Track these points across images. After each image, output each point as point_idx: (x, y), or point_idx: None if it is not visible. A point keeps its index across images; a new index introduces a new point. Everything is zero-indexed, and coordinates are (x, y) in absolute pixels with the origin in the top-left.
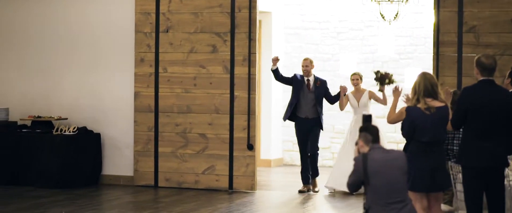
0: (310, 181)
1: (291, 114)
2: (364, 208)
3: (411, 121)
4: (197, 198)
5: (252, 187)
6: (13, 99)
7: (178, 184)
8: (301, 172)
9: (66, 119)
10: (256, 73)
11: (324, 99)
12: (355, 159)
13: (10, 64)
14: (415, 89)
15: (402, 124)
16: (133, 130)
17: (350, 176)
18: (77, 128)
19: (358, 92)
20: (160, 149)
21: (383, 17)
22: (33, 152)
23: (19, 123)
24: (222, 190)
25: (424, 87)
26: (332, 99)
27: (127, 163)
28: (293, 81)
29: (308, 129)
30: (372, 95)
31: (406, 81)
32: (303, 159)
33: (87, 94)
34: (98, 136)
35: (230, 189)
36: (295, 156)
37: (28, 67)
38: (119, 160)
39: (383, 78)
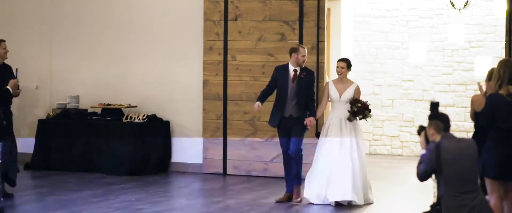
0: (293, 189)
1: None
2: (436, 198)
3: (492, 108)
4: (266, 186)
5: None
6: (83, 87)
7: (247, 172)
8: (285, 177)
9: (136, 106)
10: (325, 61)
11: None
12: (428, 148)
13: (80, 52)
14: (499, 76)
15: (482, 110)
16: (202, 117)
17: (421, 165)
18: (147, 115)
19: (342, 83)
20: (228, 137)
21: (453, 5)
22: (104, 140)
23: (90, 110)
24: None
25: (509, 74)
26: (307, 105)
27: (196, 151)
28: (276, 77)
29: (289, 128)
30: (358, 93)
31: (476, 70)
32: (285, 163)
33: (157, 82)
34: (167, 123)
35: None
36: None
37: (99, 55)
38: (188, 147)
39: (358, 113)
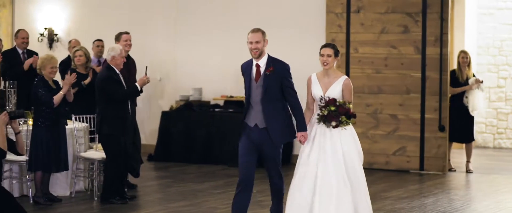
0: None
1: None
2: None
3: None
4: (387, 179)
5: (443, 169)
6: (206, 79)
7: (369, 165)
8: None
9: None
10: (448, 53)
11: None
12: None
13: (204, 45)
14: None
15: None
16: None
17: None
18: None
19: (328, 77)
20: None
21: None
22: (226, 131)
23: (212, 102)
24: (413, 172)
25: None
26: (292, 110)
27: None
28: (243, 75)
29: (257, 145)
30: (347, 88)
31: None
32: (240, 190)
33: None
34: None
35: (421, 171)
36: (488, 138)
37: (222, 48)
38: None
39: (329, 119)
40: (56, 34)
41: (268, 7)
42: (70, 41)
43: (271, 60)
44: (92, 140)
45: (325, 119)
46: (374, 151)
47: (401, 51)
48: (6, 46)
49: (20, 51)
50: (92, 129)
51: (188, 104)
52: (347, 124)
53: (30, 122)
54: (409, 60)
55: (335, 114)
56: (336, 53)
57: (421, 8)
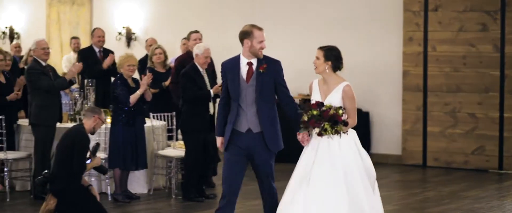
0: None
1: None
2: None
3: None
4: (466, 178)
5: None
6: None
7: (447, 164)
8: None
9: None
10: None
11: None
12: None
13: (278, 44)
14: None
15: None
16: (401, 108)
17: None
18: None
19: (327, 84)
20: (428, 128)
21: None
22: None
23: None
24: (492, 171)
25: None
26: (288, 112)
27: (395, 142)
28: (226, 77)
29: (247, 154)
30: (347, 96)
31: None
32: (224, 204)
33: (356, 72)
34: (366, 114)
35: (500, 170)
36: None
37: (296, 46)
38: (387, 138)
39: (309, 124)
40: (133, 33)
41: (345, 6)
42: (147, 40)
43: (264, 59)
44: (170, 138)
45: (306, 125)
46: (453, 150)
47: (479, 50)
48: (85, 44)
49: (96, 49)
50: (170, 127)
51: None
52: (334, 132)
53: (109, 120)
54: (488, 59)
55: (317, 118)
56: (328, 57)
57: (499, 6)
